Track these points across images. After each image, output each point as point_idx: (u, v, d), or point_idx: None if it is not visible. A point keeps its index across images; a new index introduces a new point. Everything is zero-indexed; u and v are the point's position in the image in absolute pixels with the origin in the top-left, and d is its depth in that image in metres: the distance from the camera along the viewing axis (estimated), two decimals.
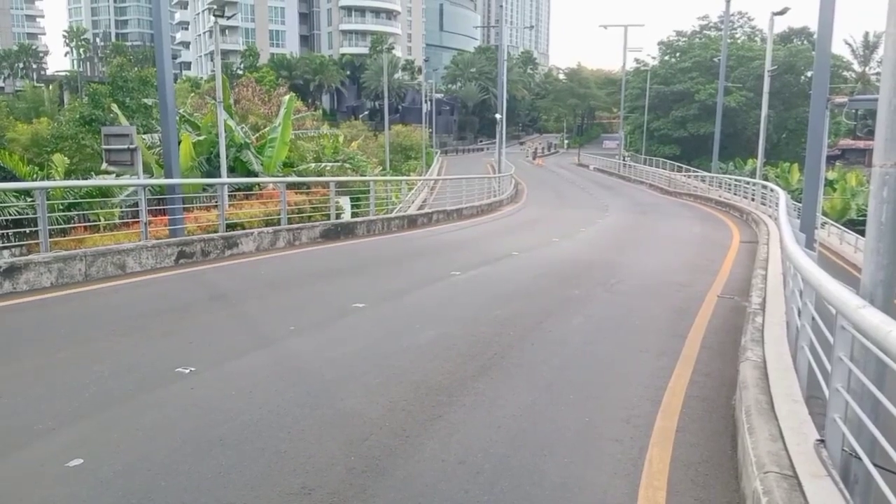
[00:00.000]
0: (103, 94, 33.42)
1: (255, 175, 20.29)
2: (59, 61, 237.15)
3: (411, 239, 16.76)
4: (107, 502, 3.52)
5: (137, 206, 11.60)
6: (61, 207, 13.22)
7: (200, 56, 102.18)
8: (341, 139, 33.60)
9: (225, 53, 72.52)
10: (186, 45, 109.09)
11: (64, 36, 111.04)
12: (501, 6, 40.50)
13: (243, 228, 13.52)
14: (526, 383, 5.57)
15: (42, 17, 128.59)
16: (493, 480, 3.84)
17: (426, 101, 72.02)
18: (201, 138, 20.98)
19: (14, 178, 18.57)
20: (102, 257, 9.81)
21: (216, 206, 13.30)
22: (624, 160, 56.18)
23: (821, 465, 3.29)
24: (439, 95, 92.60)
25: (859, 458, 2.96)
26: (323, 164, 24.61)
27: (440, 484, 3.79)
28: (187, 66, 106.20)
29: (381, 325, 7.55)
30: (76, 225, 13.33)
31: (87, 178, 22.64)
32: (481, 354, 6.29)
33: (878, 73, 58.77)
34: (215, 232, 12.53)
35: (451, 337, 6.91)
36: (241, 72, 73.25)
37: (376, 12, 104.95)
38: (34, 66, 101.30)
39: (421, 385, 5.36)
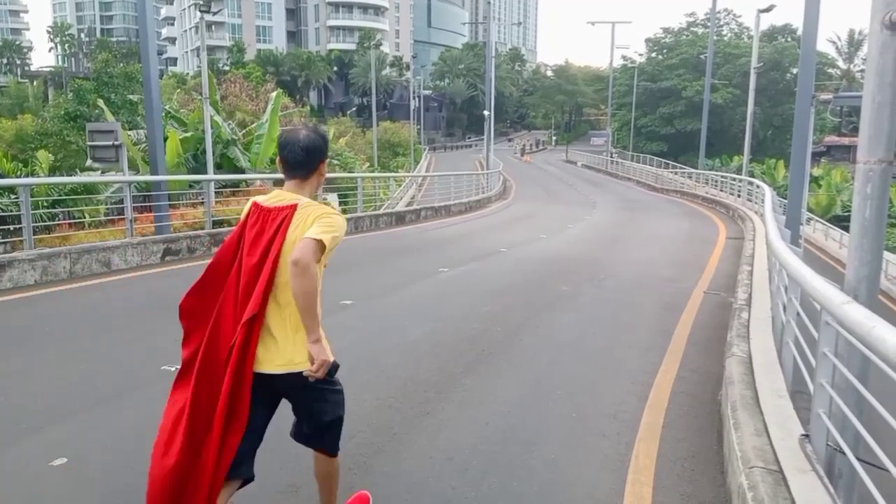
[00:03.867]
0: (88, 90, 33.03)
1: (243, 172, 20.20)
2: (43, 57, 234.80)
3: (399, 236, 16.74)
4: (92, 501, 3.50)
5: (123, 203, 11.50)
6: (46, 204, 13.11)
7: (186, 52, 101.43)
8: (331, 135, 33.43)
9: (211, 49, 72.13)
10: (172, 40, 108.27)
11: (48, 31, 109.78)
12: (489, 2, 40.43)
13: (230, 225, 13.43)
14: (514, 379, 5.58)
15: (26, 12, 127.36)
16: (480, 477, 3.84)
17: (414, 98, 71.95)
18: (188, 135, 20.85)
19: None
20: (87, 254, 9.73)
21: (203, 202, 13.22)
22: (611, 157, 56.37)
23: (805, 460, 3.31)
24: (427, 92, 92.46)
25: (843, 453, 2.99)
26: None
27: (428, 481, 3.79)
28: (173, 61, 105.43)
29: (369, 322, 7.54)
30: (61, 222, 13.22)
31: (71, 175, 22.43)
32: (470, 351, 6.30)
33: (862, 71, 59.14)
34: (202, 229, 12.46)
35: (439, 333, 6.91)
36: (227, 68, 72.76)
37: (364, 8, 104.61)
38: (18, 61, 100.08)
39: (409, 382, 5.35)
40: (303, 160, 2.73)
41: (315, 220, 2.60)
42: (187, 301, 2.72)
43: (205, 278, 2.73)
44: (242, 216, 2.78)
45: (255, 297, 2.55)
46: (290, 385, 2.68)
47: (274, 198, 2.72)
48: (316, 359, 2.55)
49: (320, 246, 2.51)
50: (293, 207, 2.65)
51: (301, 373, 2.60)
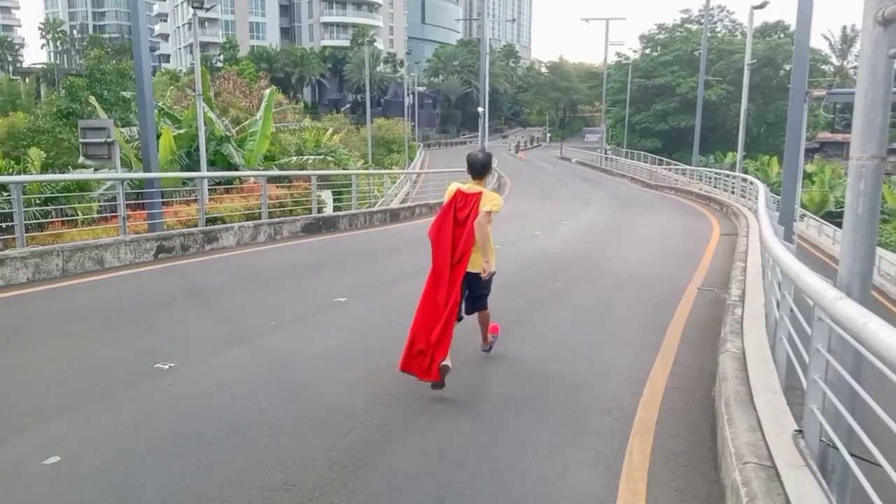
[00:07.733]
0: (81, 86, 32.80)
1: (236, 169, 20.16)
2: (35, 54, 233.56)
3: (394, 233, 16.72)
4: (85, 499, 3.48)
5: (116, 201, 11.45)
6: (38, 202, 13.05)
7: (179, 48, 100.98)
8: (328, 133, 33.37)
9: (204, 46, 71.78)
10: (165, 37, 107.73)
11: (40, 28, 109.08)
12: None
13: (224, 223, 13.40)
14: (508, 376, 5.58)
15: (17, 8, 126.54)
16: (474, 474, 3.84)
17: (408, 95, 71.81)
18: (181, 132, 20.80)
19: None
20: (80, 252, 9.69)
21: (196, 199, 13.18)
22: (606, 154, 56.43)
23: (799, 456, 3.31)
24: (421, 88, 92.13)
25: (836, 449, 2.99)
26: (305, 158, 24.50)
27: (422, 478, 3.79)
28: (166, 58, 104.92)
29: (363, 319, 7.53)
30: (53, 220, 13.16)
31: (64, 173, 22.31)
32: (463, 348, 6.28)
33: (855, 67, 59.40)
34: (195, 226, 12.42)
35: None
36: (220, 64, 72.51)
37: (357, 4, 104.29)
38: (10, 58, 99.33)
39: (403, 379, 5.33)
40: (481, 170, 5.35)
41: (489, 201, 5.17)
42: (432, 231, 5.28)
43: (439, 220, 5.29)
44: (450, 194, 5.30)
45: (467, 239, 5.13)
46: (475, 278, 5.28)
47: (470, 188, 5.27)
48: (486, 270, 5.23)
49: (487, 214, 5.14)
50: (480, 193, 5.21)
51: (480, 273, 5.26)
